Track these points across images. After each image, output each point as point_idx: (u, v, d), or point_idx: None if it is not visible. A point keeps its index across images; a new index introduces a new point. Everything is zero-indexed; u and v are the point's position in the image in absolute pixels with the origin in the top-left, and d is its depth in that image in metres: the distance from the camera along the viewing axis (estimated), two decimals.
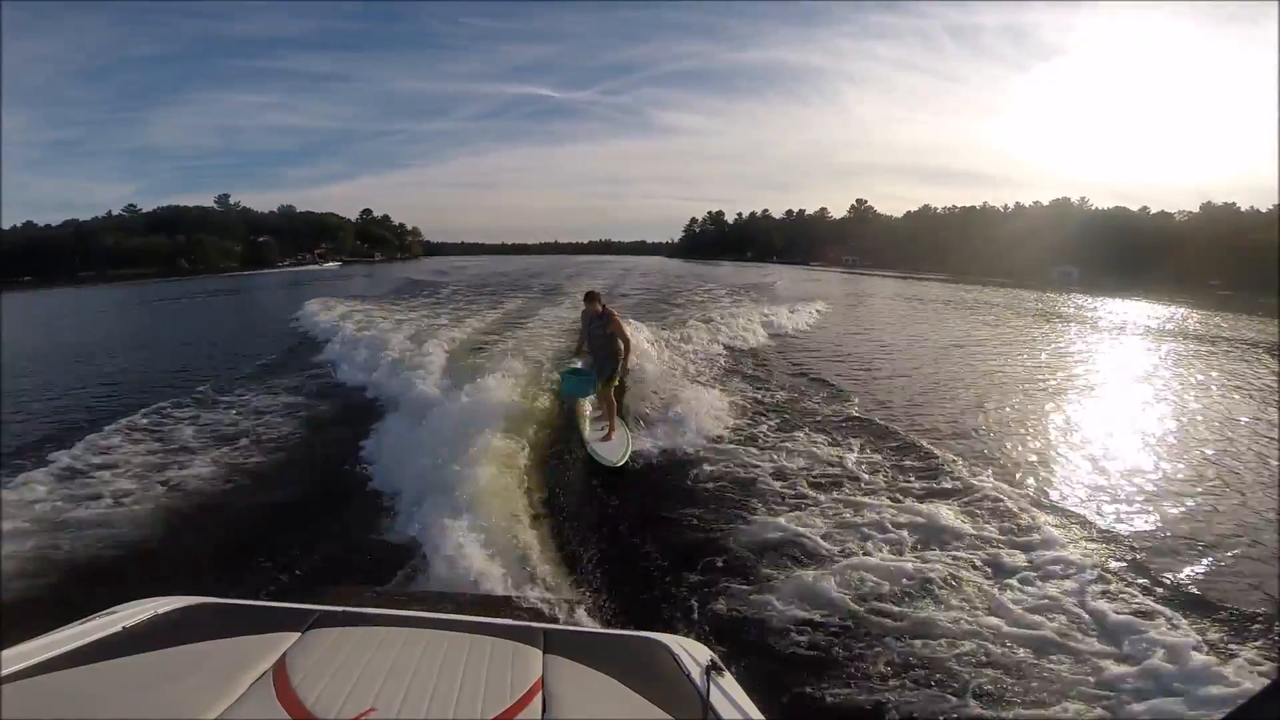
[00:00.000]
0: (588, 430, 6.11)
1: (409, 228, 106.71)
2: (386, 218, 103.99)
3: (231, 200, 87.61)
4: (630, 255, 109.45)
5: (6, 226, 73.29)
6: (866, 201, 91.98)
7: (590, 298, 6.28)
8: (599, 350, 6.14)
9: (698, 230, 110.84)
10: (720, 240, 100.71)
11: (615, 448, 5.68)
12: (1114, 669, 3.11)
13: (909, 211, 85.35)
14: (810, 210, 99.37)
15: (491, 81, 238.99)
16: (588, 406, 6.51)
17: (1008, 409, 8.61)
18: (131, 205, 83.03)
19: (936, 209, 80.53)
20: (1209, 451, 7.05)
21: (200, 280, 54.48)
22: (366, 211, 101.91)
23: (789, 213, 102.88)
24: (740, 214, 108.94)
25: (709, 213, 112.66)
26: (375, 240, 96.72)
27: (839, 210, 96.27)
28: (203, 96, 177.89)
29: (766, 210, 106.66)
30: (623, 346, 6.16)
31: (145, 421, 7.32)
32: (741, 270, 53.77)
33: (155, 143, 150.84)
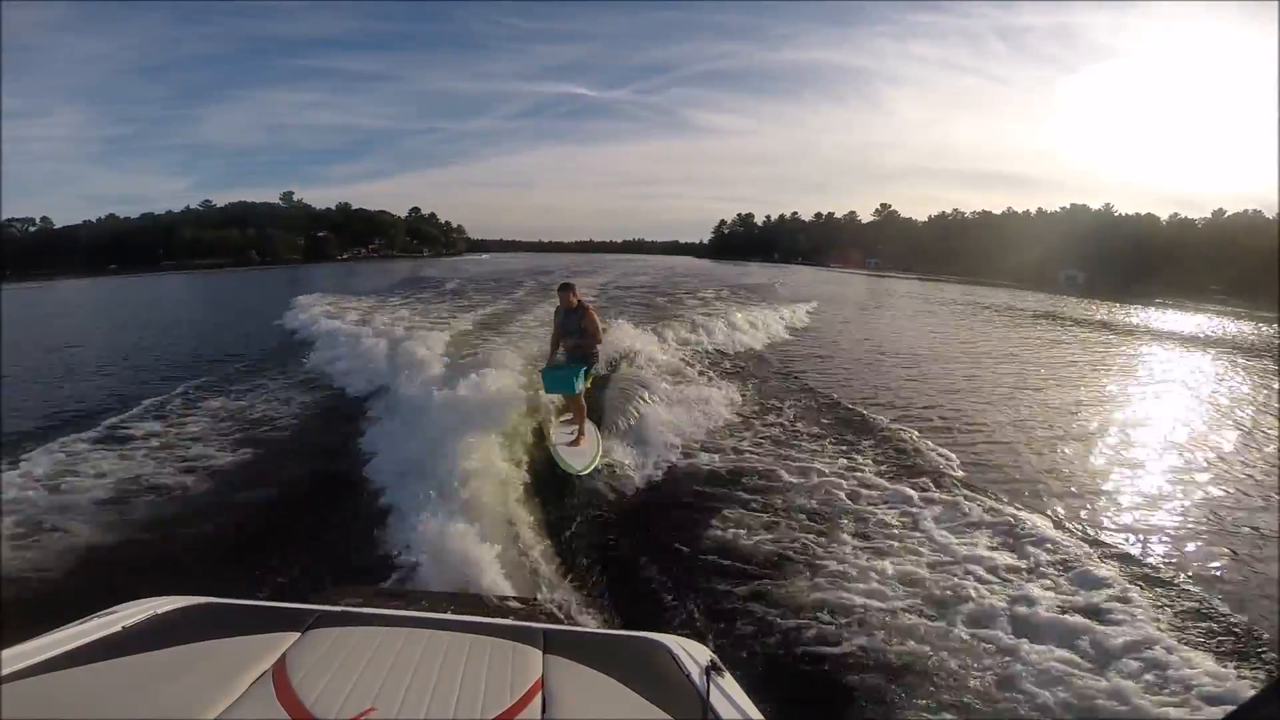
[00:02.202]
0: (555, 433, 5.76)
1: (454, 225, 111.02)
2: (433, 215, 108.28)
3: (295, 198, 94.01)
4: (660, 255, 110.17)
5: (93, 219, 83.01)
6: (891, 206, 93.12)
7: (565, 289, 5.79)
8: (573, 347, 5.76)
9: (726, 232, 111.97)
10: (749, 242, 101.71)
11: (582, 453, 5.38)
12: (1116, 670, 3.10)
13: (930, 216, 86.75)
14: (840, 214, 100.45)
15: (528, 81, 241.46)
16: (554, 409, 6.20)
17: (975, 403, 8.70)
18: (207, 200, 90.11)
19: (965, 213, 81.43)
20: (1204, 452, 7.06)
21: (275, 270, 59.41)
22: (415, 210, 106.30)
23: (818, 215, 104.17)
24: (769, 216, 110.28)
25: (738, 215, 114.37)
26: (423, 237, 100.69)
27: (872, 214, 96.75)
28: (252, 94, 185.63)
29: (796, 213, 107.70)
30: (596, 342, 5.78)
31: (145, 418, 7.32)
32: (762, 270, 55.64)
33: (207, 139, 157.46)
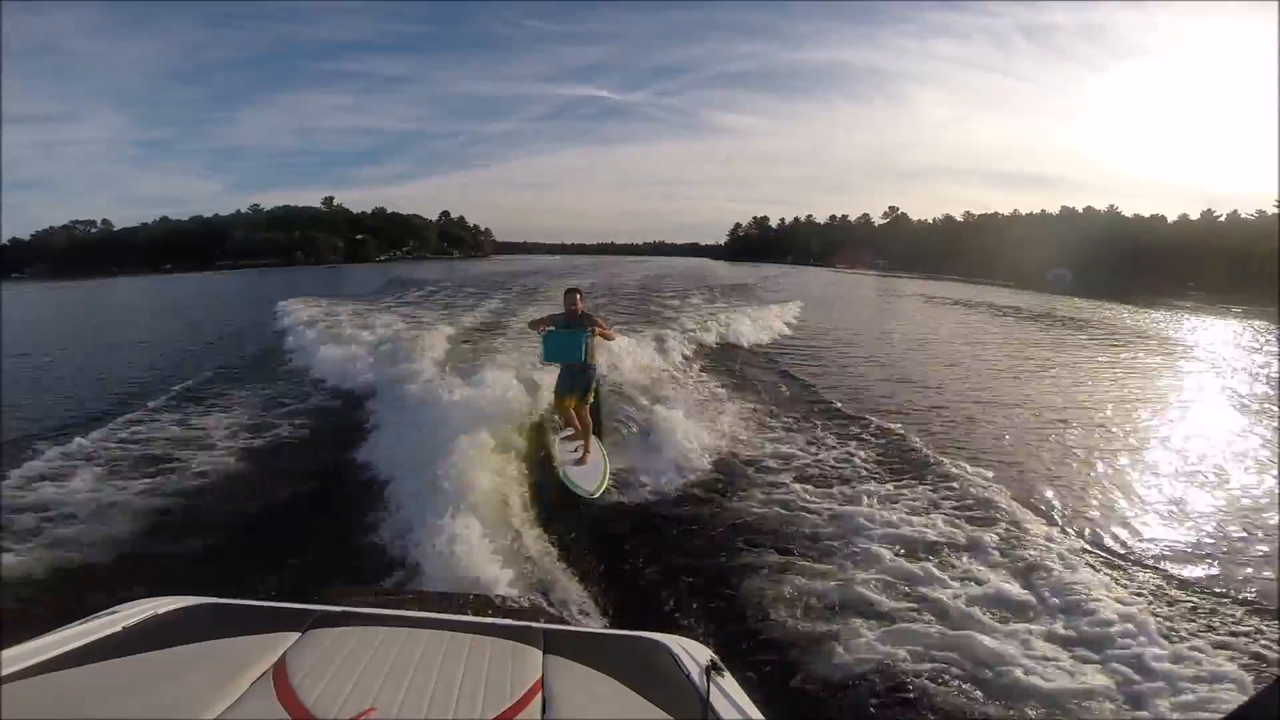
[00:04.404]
0: (559, 452, 5.42)
1: (482, 229, 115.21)
2: (463, 219, 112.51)
3: (335, 202, 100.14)
4: (679, 257, 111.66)
5: (150, 221, 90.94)
6: (899, 208, 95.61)
7: (571, 294, 5.41)
8: (575, 360, 5.31)
9: (741, 234, 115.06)
10: (764, 244, 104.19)
11: (591, 474, 5.10)
12: (1116, 670, 3.11)
13: (935, 219, 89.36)
14: (868, 214, 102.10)
15: (550, 83, 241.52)
16: (559, 425, 5.79)
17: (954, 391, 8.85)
18: (255, 205, 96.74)
19: (975, 214, 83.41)
20: (1201, 450, 7.06)
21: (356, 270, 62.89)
22: (445, 213, 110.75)
23: (831, 218, 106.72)
24: (783, 219, 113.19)
25: (754, 218, 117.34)
26: (453, 240, 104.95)
27: (881, 215, 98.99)
28: (283, 97, 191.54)
29: (810, 215, 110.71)
30: (599, 343, 5.40)
31: (146, 418, 7.34)
32: (775, 270, 57.76)
33: (240, 142, 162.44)
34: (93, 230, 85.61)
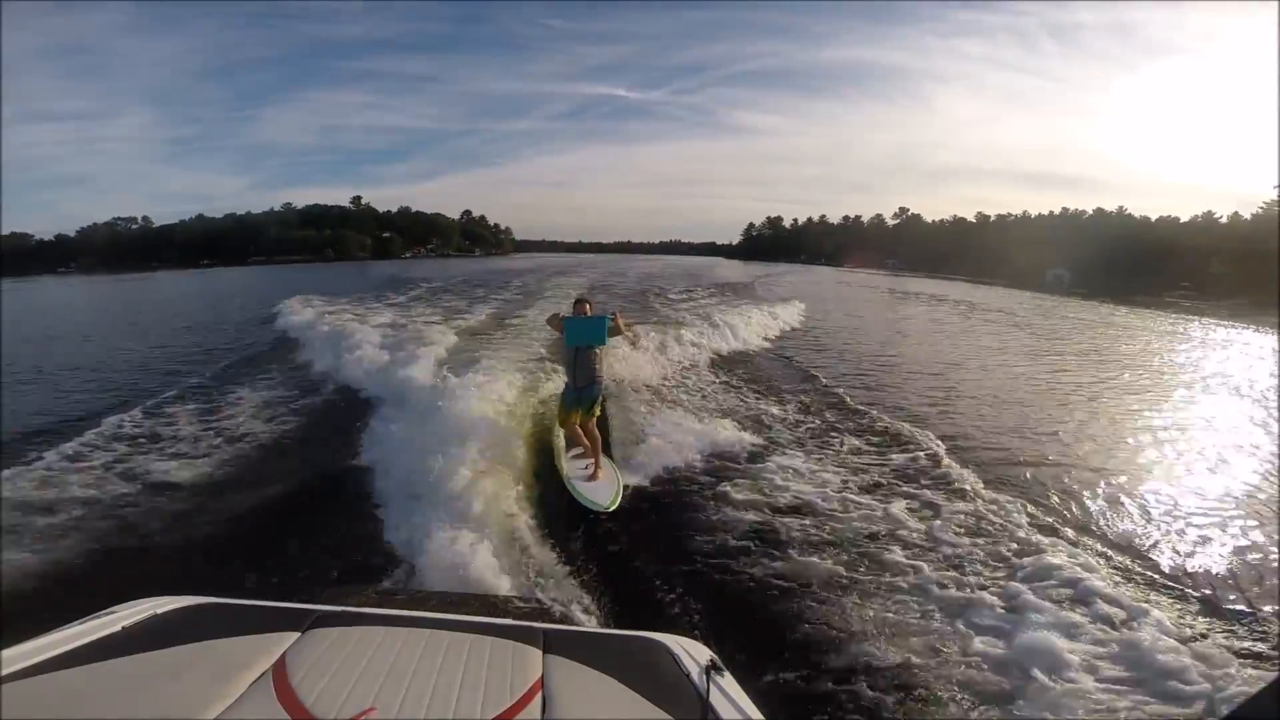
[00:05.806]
0: (567, 467, 5.27)
1: (502, 227, 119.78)
2: (483, 218, 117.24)
3: (361, 200, 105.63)
4: (694, 255, 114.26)
5: (188, 218, 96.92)
6: (909, 209, 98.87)
7: (580, 305, 5.38)
8: (584, 367, 5.18)
9: (755, 234, 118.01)
10: (777, 244, 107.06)
11: (604, 489, 4.96)
12: (1115, 669, 3.11)
13: (943, 220, 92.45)
14: (885, 214, 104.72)
15: (568, 82, 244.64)
16: (565, 441, 5.57)
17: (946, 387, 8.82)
18: (288, 204, 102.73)
19: (989, 216, 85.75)
20: (1199, 449, 7.05)
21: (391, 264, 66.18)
22: (466, 212, 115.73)
23: (846, 218, 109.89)
24: (796, 220, 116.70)
25: (767, 217, 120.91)
26: (475, 238, 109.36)
27: (892, 216, 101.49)
28: (306, 96, 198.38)
29: (824, 215, 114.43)
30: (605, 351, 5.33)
31: (147, 417, 7.33)
32: (787, 269, 61.10)
33: (265, 140, 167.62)
34: (133, 227, 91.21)
